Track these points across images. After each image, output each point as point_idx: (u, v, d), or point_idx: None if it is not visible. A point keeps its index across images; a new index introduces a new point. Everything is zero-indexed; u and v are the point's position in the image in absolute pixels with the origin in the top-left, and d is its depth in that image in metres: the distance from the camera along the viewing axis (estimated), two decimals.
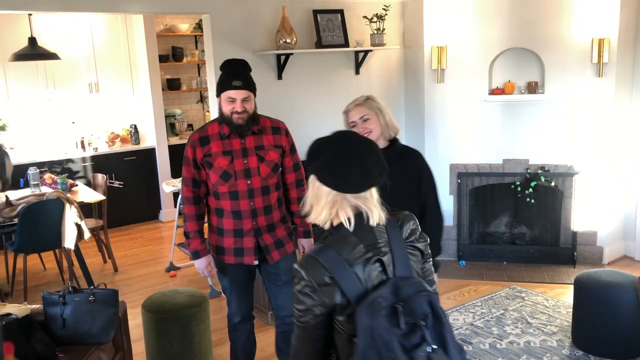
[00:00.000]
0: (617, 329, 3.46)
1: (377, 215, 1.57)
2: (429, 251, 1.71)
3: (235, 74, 2.71)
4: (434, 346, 1.44)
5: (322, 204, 1.57)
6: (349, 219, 1.55)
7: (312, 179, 1.60)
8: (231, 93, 2.68)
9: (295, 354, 1.61)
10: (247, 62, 2.81)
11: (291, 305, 3.01)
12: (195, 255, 2.89)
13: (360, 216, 1.56)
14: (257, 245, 2.85)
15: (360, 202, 1.56)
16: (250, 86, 2.73)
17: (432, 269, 1.75)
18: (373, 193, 1.59)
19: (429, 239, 1.71)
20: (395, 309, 1.43)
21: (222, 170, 2.75)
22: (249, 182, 2.77)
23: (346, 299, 1.48)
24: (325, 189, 1.56)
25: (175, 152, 6.89)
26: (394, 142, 2.66)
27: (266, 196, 2.82)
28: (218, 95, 2.75)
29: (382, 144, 2.62)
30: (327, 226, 1.59)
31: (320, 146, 1.61)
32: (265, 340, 3.76)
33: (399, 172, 2.59)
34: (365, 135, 2.55)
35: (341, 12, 4.83)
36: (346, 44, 4.83)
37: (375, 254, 1.54)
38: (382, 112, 2.61)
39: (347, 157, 1.56)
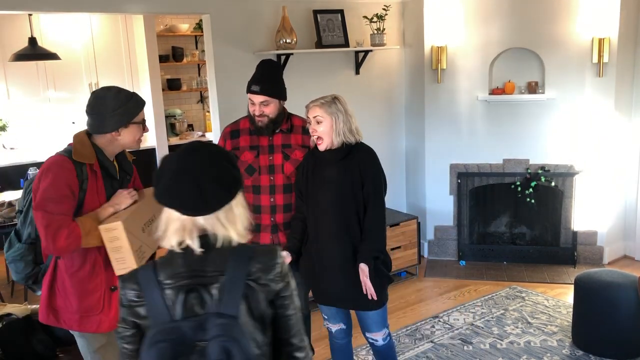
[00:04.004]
0: (617, 329, 3.46)
1: (221, 236, 1.42)
2: (294, 302, 1.49)
3: (258, 77, 2.79)
4: None
5: (172, 229, 1.42)
6: (183, 243, 1.42)
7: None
8: (250, 96, 2.77)
9: None
10: (278, 65, 2.81)
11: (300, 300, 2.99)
12: None
13: (206, 238, 1.42)
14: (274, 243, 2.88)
15: (209, 223, 1.41)
16: (269, 91, 2.76)
17: (299, 324, 1.50)
18: (233, 208, 1.44)
19: (293, 287, 1.48)
20: (175, 348, 1.32)
21: (247, 164, 2.83)
22: (271, 178, 2.83)
23: (149, 321, 1.39)
24: (175, 213, 1.41)
25: None
26: (347, 145, 2.63)
27: (287, 194, 2.85)
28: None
29: (334, 146, 2.61)
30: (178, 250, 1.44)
31: (162, 166, 1.44)
32: None
33: (337, 172, 2.62)
34: (315, 137, 2.60)
35: (341, 12, 4.83)
36: (346, 44, 4.83)
37: (196, 282, 1.39)
38: (341, 117, 2.57)
39: (181, 175, 1.40)
